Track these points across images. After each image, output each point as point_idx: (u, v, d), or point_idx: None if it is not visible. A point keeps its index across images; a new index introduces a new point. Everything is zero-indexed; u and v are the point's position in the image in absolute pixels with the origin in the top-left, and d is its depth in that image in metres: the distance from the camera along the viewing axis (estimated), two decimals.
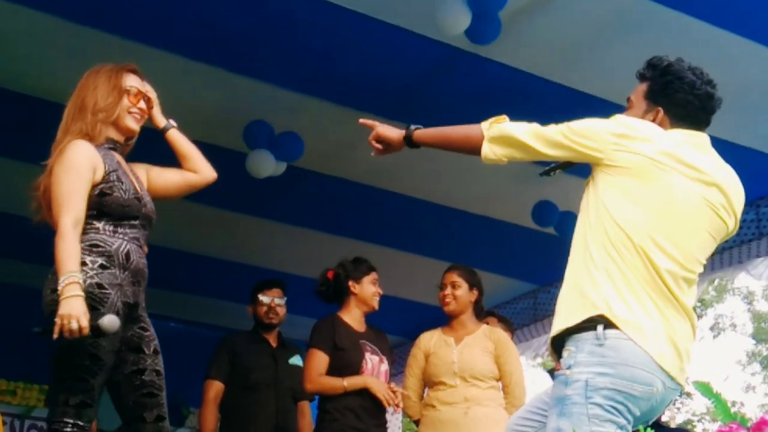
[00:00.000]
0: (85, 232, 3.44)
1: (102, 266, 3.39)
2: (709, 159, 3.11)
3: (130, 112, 3.72)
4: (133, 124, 3.75)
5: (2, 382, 7.70)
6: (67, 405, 3.35)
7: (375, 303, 5.28)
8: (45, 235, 3.59)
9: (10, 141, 5.78)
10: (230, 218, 6.84)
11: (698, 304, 20.87)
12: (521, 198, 6.58)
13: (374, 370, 5.17)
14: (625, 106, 3.29)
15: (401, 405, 5.21)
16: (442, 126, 3.41)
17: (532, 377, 17.85)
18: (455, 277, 5.31)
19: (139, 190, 3.68)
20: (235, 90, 5.50)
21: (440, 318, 5.49)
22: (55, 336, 3.19)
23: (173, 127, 3.93)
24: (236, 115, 5.68)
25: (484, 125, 3.22)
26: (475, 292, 5.34)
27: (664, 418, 6.47)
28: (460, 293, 5.29)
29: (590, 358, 2.88)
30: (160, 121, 3.92)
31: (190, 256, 7.29)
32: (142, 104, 3.77)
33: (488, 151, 3.19)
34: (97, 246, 3.43)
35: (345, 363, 5.10)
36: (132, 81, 3.76)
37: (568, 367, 2.92)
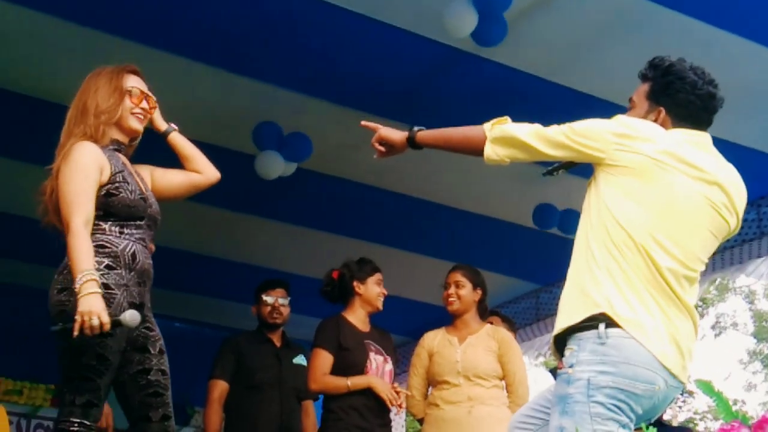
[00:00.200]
0: (91, 232, 3.44)
1: (108, 267, 3.41)
2: (711, 158, 3.12)
3: (133, 113, 3.73)
4: (137, 125, 3.76)
5: (8, 382, 7.71)
6: (73, 405, 3.37)
7: (379, 303, 5.31)
8: (49, 235, 3.62)
9: (11, 141, 5.78)
10: (234, 219, 6.85)
11: (700, 303, 20.84)
12: (523, 198, 6.59)
13: (378, 370, 5.19)
14: (626, 106, 3.31)
15: (404, 406, 5.23)
16: (444, 127, 3.43)
17: (535, 376, 17.87)
18: (459, 277, 5.33)
19: (144, 190, 3.69)
20: (238, 91, 5.51)
21: (443, 318, 5.51)
22: (75, 333, 3.20)
23: (174, 130, 3.95)
24: (240, 116, 5.69)
25: (487, 126, 3.23)
26: (479, 292, 5.36)
27: (666, 417, 6.48)
28: (463, 293, 5.31)
29: (592, 356, 2.89)
30: (162, 124, 3.93)
31: (195, 257, 7.30)
32: (145, 104, 3.78)
33: (490, 151, 3.21)
34: (104, 247, 3.44)
35: (349, 363, 5.12)
36: (133, 82, 3.77)
37: (571, 366, 2.93)
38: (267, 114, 5.69)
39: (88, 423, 3.37)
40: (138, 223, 3.60)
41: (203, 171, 3.93)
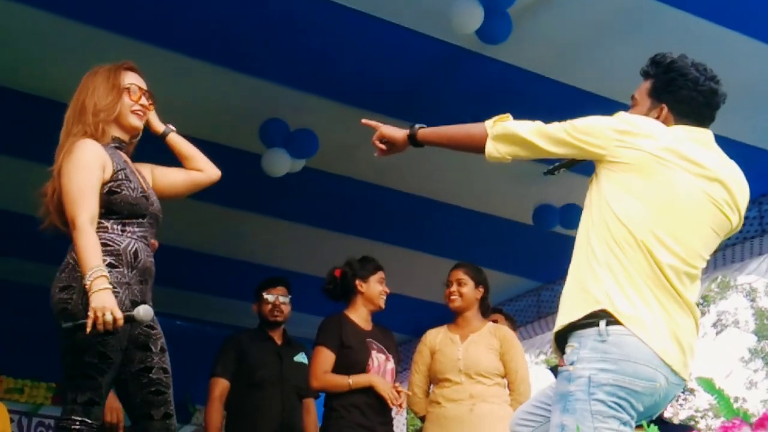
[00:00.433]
0: None
1: (110, 265, 3.40)
2: (713, 155, 3.12)
3: (133, 111, 3.73)
4: (137, 122, 3.76)
5: (10, 381, 7.73)
6: (75, 403, 3.37)
7: (381, 302, 5.31)
8: (51, 234, 3.62)
9: (14, 140, 5.78)
10: (235, 216, 6.84)
11: (701, 301, 20.86)
12: (525, 196, 6.59)
13: (380, 369, 5.20)
14: (628, 104, 3.31)
15: (404, 406, 5.23)
16: (446, 125, 3.44)
17: (536, 374, 17.87)
18: (461, 275, 5.34)
19: (146, 188, 3.69)
20: (240, 90, 5.51)
21: (444, 316, 5.51)
22: (89, 330, 3.21)
23: (172, 131, 3.94)
24: (242, 114, 5.69)
25: (488, 123, 3.23)
26: (481, 290, 5.36)
27: (667, 415, 6.49)
28: (465, 290, 5.31)
29: (593, 354, 2.90)
30: (159, 126, 3.92)
31: (196, 255, 7.29)
32: (144, 101, 3.78)
33: (492, 149, 3.21)
34: (106, 245, 3.44)
35: (351, 361, 5.13)
36: (131, 78, 3.77)
37: (571, 364, 2.94)
38: (269, 113, 5.69)
39: (89, 421, 3.38)
40: (140, 221, 3.60)
41: (204, 169, 3.94)
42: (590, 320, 2.93)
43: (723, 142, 3.21)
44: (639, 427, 2.83)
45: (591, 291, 2.96)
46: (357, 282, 5.29)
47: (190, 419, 8.29)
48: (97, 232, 3.45)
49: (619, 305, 2.91)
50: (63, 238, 3.58)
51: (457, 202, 6.78)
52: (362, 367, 5.14)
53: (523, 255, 7.45)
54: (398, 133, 3.49)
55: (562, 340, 3.05)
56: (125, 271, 3.47)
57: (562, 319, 3.03)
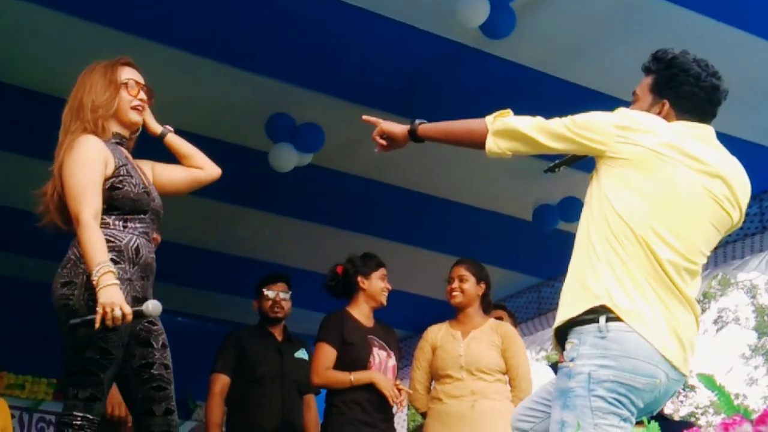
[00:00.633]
0: None
1: (112, 261, 3.39)
2: (714, 151, 3.12)
3: (132, 107, 3.73)
4: (136, 117, 3.76)
5: (11, 376, 7.74)
6: (76, 399, 3.38)
7: (383, 298, 5.32)
8: (51, 232, 3.62)
9: (17, 137, 5.78)
10: (236, 213, 6.84)
11: (701, 298, 20.85)
12: (526, 193, 6.59)
13: (382, 366, 5.21)
14: (630, 101, 3.30)
15: (404, 404, 5.23)
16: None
17: (536, 371, 17.87)
18: (463, 271, 5.34)
19: (147, 184, 3.69)
20: (241, 87, 5.50)
21: (445, 312, 5.52)
22: (97, 326, 3.21)
23: (170, 131, 3.94)
24: (243, 111, 5.69)
25: (489, 119, 3.23)
26: (483, 286, 5.36)
27: (667, 411, 6.49)
28: (467, 287, 5.31)
29: (593, 350, 2.90)
30: (156, 127, 3.91)
31: (197, 251, 7.29)
32: (142, 95, 3.78)
33: (492, 144, 3.21)
34: (108, 241, 3.43)
35: (353, 358, 5.14)
36: (128, 74, 3.76)
37: (571, 360, 2.94)
38: (272, 109, 5.68)
39: (91, 417, 3.39)
40: (141, 216, 3.60)
41: (204, 167, 3.94)
42: (590, 316, 2.93)
43: (723, 138, 3.20)
44: (639, 423, 2.84)
45: (590, 286, 2.96)
46: (359, 279, 5.30)
47: (191, 415, 8.30)
48: (100, 227, 3.45)
49: (619, 301, 2.91)
50: (64, 235, 3.59)
51: (459, 198, 6.77)
52: (364, 364, 5.15)
53: (524, 251, 7.45)
54: (398, 128, 3.49)
55: (562, 335, 3.05)
56: (127, 267, 3.47)
57: (562, 314, 3.03)
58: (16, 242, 6.89)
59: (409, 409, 7.60)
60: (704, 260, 3.10)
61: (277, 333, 5.77)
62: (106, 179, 3.53)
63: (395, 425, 5.43)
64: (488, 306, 5.48)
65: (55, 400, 7.60)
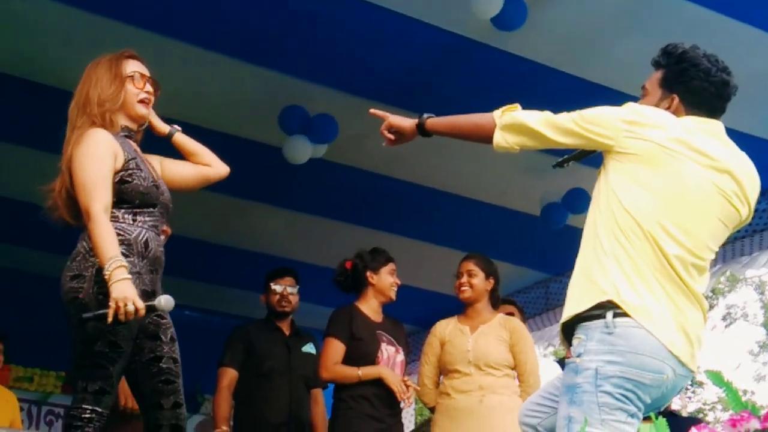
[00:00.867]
0: None
1: (122, 254, 3.39)
2: (723, 146, 3.11)
3: (139, 100, 3.73)
4: (143, 110, 3.76)
5: (19, 369, 7.76)
6: (86, 392, 3.38)
7: (392, 293, 5.33)
8: (60, 226, 3.63)
9: (20, 128, 5.79)
10: (245, 207, 6.85)
11: (710, 294, 20.83)
12: (534, 188, 6.59)
13: (390, 361, 5.22)
14: (639, 96, 3.30)
15: (411, 401, 5.23)
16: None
17: (544, 366, 17.86)
18: (471, 266, 5.33)
19: (156, 178, 3.69)
20: (249, 81, 5.52)
21: (453, 307, 5.52)
22: (110, 320, 3.22)
23: (178, 131, 3.93)
24: (251, 105, 5.70)
25: (496, 113, 3.22)
26: (491, 281, 5.36)
27: (675, 407, 6.48)
28: (476, 282, 5.31)
29: (600, 346, 2.89)
30: (163, 127, 3.91)
31: (205, 245, 7.30)
32: (149, 87, 3.77)
33: (500, 138, 3.20)
34: (118, 235, 3.42)
35: (361, 353, 5.15)
36: (133, 66, 3.75)
37: (578, 355, 2.93)
38: (282, 103, 5.68)
39: (100, 410, 3.39)
40: (151, 210, 3.60)
41: (211, 164, 3.94)
42: (597, 311, 2.92)
43: (732, 133, 3.19)
44: (647, 418, 2.83)
45: (597, 281, 2.96)
46: (368, 274, 5.30)
47: (199, 409, 8.32)
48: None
49: (626, 296, 2.90)
50: (72, 228, 3.59)
51: (468, 193, 6.78)
52: (372, 359, 5.16)
53: (532, 247, 7.45)
54: (406, 122, 3.49)
55: (569, 330, 3.04)
56: (136, 261, 3.47)
57: (569, 309, 3.03)
58: (25, 235, 6.91)
59: (417, 403, 7.61)
60: (712, 256, 3.09)
61: (285, 327, 5.77)
62: (116, 172, 3.52)
63: (403, 420, 5.44)
64: (497, 301, 5.48)
65: (64, 393, 7.63)
